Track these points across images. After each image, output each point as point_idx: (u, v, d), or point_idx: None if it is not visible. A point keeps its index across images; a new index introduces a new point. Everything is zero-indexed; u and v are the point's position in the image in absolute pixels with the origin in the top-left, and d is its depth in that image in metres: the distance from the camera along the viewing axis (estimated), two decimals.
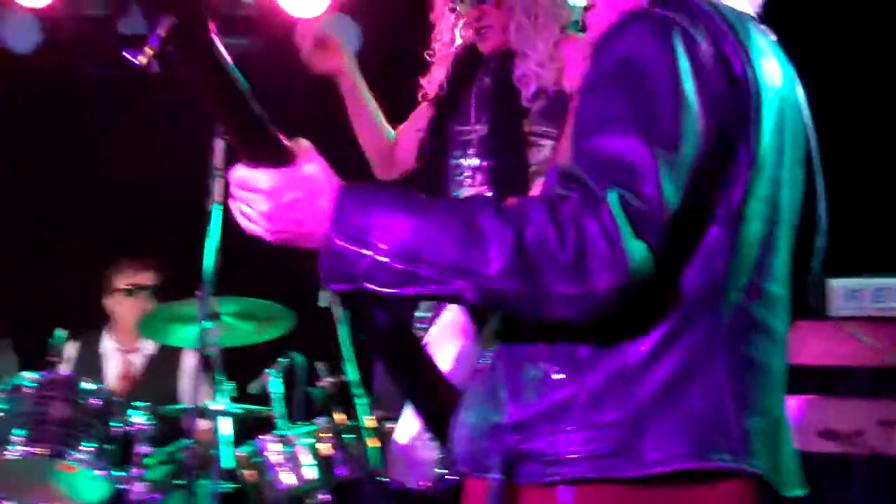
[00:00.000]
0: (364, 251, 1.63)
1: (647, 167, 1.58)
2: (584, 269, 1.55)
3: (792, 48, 1.94)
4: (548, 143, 3.21)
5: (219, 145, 3.69)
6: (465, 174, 3.33)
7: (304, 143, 1.74)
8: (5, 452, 3.82)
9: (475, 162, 3.31)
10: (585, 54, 1.76)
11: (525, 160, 3.22)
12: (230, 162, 1.77)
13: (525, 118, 3.25)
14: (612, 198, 1.56)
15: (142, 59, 1.60)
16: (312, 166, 1.71)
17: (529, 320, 1.66)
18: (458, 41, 3.47)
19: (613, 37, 1.70)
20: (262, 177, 1.70)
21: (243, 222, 1.76)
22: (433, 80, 3.51)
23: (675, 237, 1.62)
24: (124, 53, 1.63)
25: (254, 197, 1.71)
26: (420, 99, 3.60)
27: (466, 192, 3.30)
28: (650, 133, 1.60)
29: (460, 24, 3.42)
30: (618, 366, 1.66)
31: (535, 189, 3.12)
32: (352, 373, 3.67)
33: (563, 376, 1.68)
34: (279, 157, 1.70)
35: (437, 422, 1.98)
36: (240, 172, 1.72)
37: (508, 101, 3.28)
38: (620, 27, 1.70)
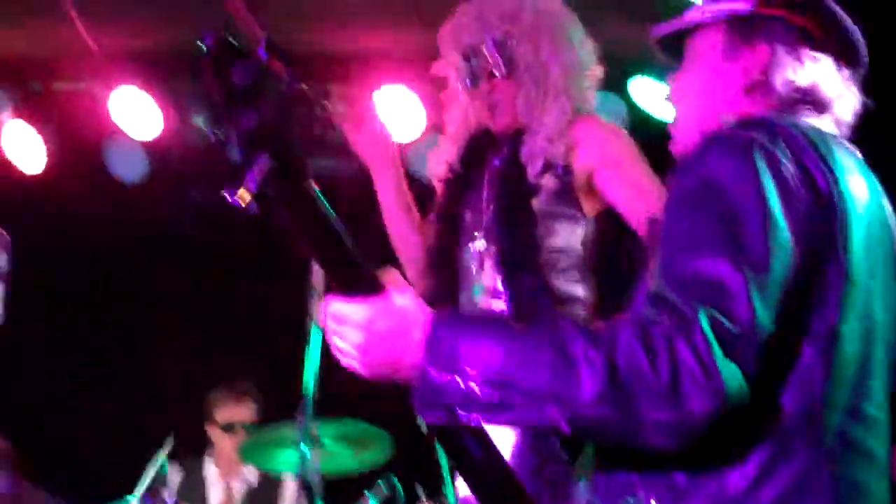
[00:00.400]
0: (457, 379, 1.63)
1: (738, 288, 1.57)
2: (678, 395, 1.53)
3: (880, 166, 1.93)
4: (563, 225, 3.06)
5: (316, 266, 3.69)
6: (474, 259, 3.15)
7: (394, 274, 1.77)
8: None
9: (481, 245, 3.13)
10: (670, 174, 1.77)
11: (535, 240, 3.04)
12: (329, 283, 1.80)
13: (534, 196, 3.07)
14: (703, 320, 1.55)
15: (240, 199, 1.68)
16: (403, 297, 1.73)
17: (624, 448, 1.64)
18: (472, 122, 3.29)
19: (696, 158, 1.71)
20: (354, 310, 1.72)
21: (339, 356, 1.78)
22: (441, 159, 3.34)
23: (770, 359, 1.59)
24: (224, 194, 1.71)
25: (347, 330, 1.73)
26: (428, 177, 3.42)
27: (477, 278, 3.13)
28: (739, 253, 1.59)
29: (473, 103, 3.23)
30: (717, 494, 1.63)
31: (550, 275, 3.04)
32: (451, 496, 3.65)
33: None
34: (370, 289, 1.73)
35: None
36: (333, 306, 1.75)
37: (515, 179, 3.10)
38: (703, 149, 1.71)
